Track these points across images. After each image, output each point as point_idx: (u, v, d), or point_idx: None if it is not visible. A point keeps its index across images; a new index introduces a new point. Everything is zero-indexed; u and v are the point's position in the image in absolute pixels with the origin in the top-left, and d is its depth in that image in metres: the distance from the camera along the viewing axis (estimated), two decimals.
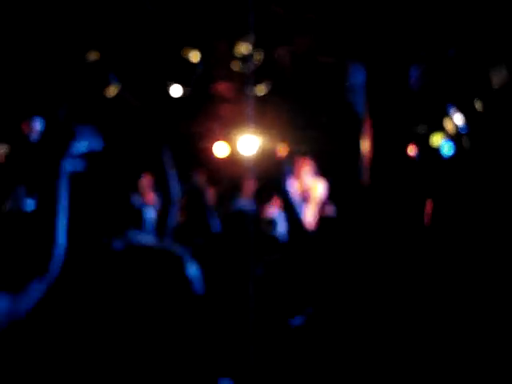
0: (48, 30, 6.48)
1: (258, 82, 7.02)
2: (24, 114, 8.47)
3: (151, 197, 7.88)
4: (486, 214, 6.68)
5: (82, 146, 8.33)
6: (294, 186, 8.03)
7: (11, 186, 5.93)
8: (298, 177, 9.09)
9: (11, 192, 5.46)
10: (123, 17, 6.57)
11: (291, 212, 3.37)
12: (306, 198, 8.84)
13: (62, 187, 2.96)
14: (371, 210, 6.80)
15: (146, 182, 7.32)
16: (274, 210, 6.54)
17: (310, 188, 8.89)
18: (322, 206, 8.27)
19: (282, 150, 10.06)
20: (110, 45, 6.91)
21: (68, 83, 7.48)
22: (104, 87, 7.21)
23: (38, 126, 8.77)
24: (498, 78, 6.93)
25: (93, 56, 6.89)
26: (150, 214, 4.45)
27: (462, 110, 8.20)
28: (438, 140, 9.76)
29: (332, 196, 9.31)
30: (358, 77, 7.64)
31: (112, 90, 7.23)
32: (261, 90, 7.00)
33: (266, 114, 8.75)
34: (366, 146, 7.10)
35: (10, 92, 7.52)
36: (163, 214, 5.34)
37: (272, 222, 5.97)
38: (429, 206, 8.67)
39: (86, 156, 8.57)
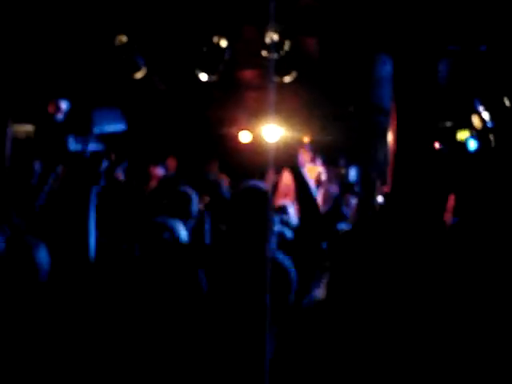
0: (76, 13, 6.52)
1: (284, 70, 7.00)
2: (50, 96, 8.56)
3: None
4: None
5: (106, 127, 8.35)
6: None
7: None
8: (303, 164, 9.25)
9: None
10: (152, 1, 6.59)
11: (308, 198, 3.35)
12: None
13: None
14: (395, 204, 6.79)
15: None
16: (286, 200, 6.59)
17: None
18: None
19: (305, 140, 10.09)
20: (138, 29, 6.94)
21: (95, 66, 7.53)
22: (132, 70, 7.24)
23: (64, 106, 8.87)
24: None
25: (121, 39, 6.92)
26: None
27: (489, 106, 8.13)
28: (464, 135, 9.70)
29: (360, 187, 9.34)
30: (385, 69, 7.60)
31: (140, 74, 7.26)
32: (287, 78, 6.98)
33: (291, 103, 8.75)
34: (391, 139, 7.07)
35: (39, 74, 7.60)
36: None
37: (284, 208, 6.01)
38: (451, 201, 8.64)
39: (109, 137, 8.58)
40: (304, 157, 9.25)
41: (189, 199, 4.47)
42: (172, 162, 7.43)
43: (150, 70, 7.56)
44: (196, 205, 4.46)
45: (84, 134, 10.33)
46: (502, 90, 7.61)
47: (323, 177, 9.03)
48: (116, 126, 10.38)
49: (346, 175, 10.71)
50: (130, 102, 9.49)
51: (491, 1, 6.21)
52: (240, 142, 10.86)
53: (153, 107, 9.69)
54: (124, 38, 6.89)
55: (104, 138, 10.55)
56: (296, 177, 3.43)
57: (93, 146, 10.82)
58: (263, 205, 3.19)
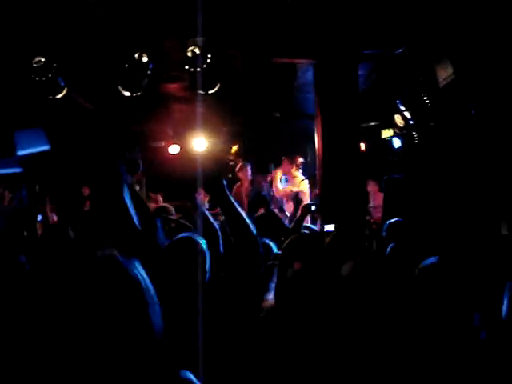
0: None
1: (209, 82, 7.01)
2: None
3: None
4: (434, 204, 6.86)
5: (29, 147, 8.12)
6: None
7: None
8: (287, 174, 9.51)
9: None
10: (71, 19, 6.49)
11: (233, 215, 3.31)
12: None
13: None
14: (323, 205, 6.89)
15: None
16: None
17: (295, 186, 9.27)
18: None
19: (234, 150, 10.17)
20: (57, 48, 6.82)
21: (15, 88, 7.37)
22: (53, 91, 7.11)
23: None
24: (443, 73, 7.07)
25: (39, 60, 6.78)
26: None
27: (410, 105, 8.35)
28: (388, 134, 9.93)
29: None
30: (307, 75, 7.72)
31: (61, 94, 7.14)
32: (212, 90, 6.99)
33: (217, 114, 8.77)
34: (317, 142, 7.17)
35: None
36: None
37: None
38: (378, 197, 8.83)
39: (33, 157, 8.36)
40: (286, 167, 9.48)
41: None
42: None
43: (74, 90, 7.44)
44: None
45: (7, 156, 10.09)
46: (420, 89, 7.83)
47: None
48: (40, 147, 10.20)
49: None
50: (53, 123, 9.33)
51: (405, 5, 6.39)
52: (169, 155, 10.83)
53: (77, 126, 9.54)
54: (42, 59, 6.76)
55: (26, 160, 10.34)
56: (221, 200, 3.39)
57: (12, 169, 10.55)
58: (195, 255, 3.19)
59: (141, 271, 1.83)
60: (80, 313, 1.75)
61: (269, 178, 10.12)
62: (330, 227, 6.10)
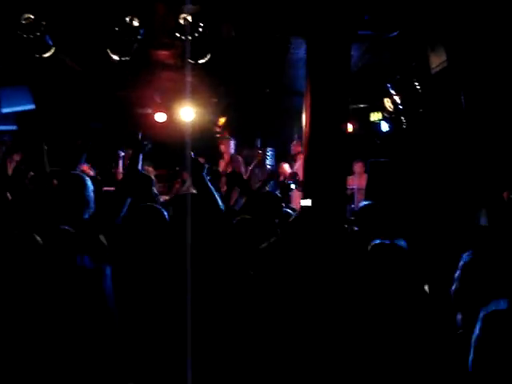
0: None
1: (199, 52, 6.91)
2: None
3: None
4: (415, 190, 6.86)
5: (14, 105, 8.03)
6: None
7: None
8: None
9: None
10: None
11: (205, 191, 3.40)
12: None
13: None
14: (308, 184, 6.86)
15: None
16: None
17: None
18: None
19: (221, 123, 10.10)
20: (46, 7, 6.69)
21: (3, 44, 7.24)
22: (40, 50, 6.98)
23: None
24: (436, 59, 7.03)
25: (28, 17, 6.65)
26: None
27: (400, 89, 8.31)
28: (376, 117, 9.91)
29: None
30: (299, 52, 7.64)
31: (48, 53, 7.01)
32: (201, 60, 6.90)
33: (206, 85, 8.68)
34: (305, 120, 7.12)
35: None
36: None
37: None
38: (363, 179, 8.83)
39: (18, 116, 8.27)
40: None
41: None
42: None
43: (62, 50, 7.32)
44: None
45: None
46: (412, 74, 7.79)
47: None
48: (25, 105, 10.09)
49: (264, 157, 10.78)
50: (40, 82, 9.20)
51: None
52: (155, 123, 10.72)
53: (64, 87, 9.41)
54: (30, 16, 6.62)
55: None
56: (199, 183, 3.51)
57: (1, 126, 10.41)
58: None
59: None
60: None
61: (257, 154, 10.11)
62: (306, 202, 6.08)
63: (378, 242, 3.04)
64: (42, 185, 4.36)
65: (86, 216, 4.02)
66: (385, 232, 3.58)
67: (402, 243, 2.98)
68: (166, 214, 3.49)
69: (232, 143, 9.94)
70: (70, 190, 4.03)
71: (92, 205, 4.10)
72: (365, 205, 4.76)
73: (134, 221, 3.53)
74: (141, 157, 4.21)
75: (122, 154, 9.49)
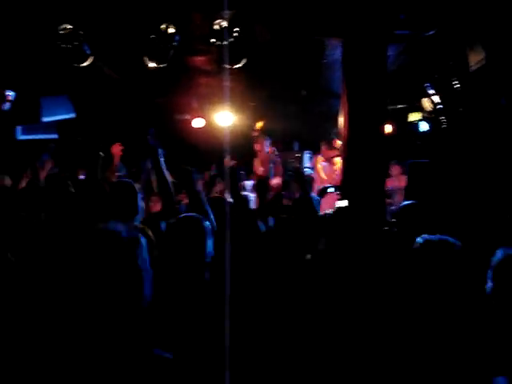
0: (19, 1, 6.35)
1: (235, 56, 6.94)
2: None
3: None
4: (461, 189, 6.76)
5: (55, 115, 8.15)
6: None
7: None
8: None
9: None
10: None
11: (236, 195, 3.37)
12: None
13: None
14: (347, 187, 6.82)
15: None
16: None
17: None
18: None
19: (259, 126, 10.11)
20: (84, 16, 6.79)
21: (43, 54, 7.37)
22: (79, 59, 7.10)
23: (10, 95, 8.68)
24: (475, 57, 6.92)
25: (65, 27, 6.77)
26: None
27: (438, 88, 8.21)
28: (415, 117, 9.81)
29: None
30: (335, 53, 7.60)
31: (86, 62, 7.12)
32: (238, 64, 6.92)
33: (243, 89, 8.70)
34: (342, 122, 7.08)
35: None
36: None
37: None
38: (400, 180, 8.74)
39: (59, 124, 8.39)
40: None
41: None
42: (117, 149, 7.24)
43: (99, 59, 7.43)
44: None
45: (33, 123, 10.15)
46: (451, 73, 7.68)
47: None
48: (65, 114, 10.26)
49: (301, 160, 10.76)
50: (79, 91, 9.34)
51: None
52: (193, 129, 10.79)
53: (103, 95, 9.54)
54: (68, 26, 6.74)
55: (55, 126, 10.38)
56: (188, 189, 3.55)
57: (43, 135, 10.60)
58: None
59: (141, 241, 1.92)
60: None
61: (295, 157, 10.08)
62: (343, 203, 6.04)
63: (426, 237, 2.81)
64: (93, 190, 4.42)
65: (137, 223, 4.10)
66: (427, 231, 3.50)
67: (452, 239, 2.79)
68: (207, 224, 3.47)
69: (267, 142, 9.86)
70: (122, 197, 4.10)
71: (142, 212, 4.19)
72: (406, 204, 4.69)
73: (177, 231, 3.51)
74: (162, 160, 4.21)
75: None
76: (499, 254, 2.49)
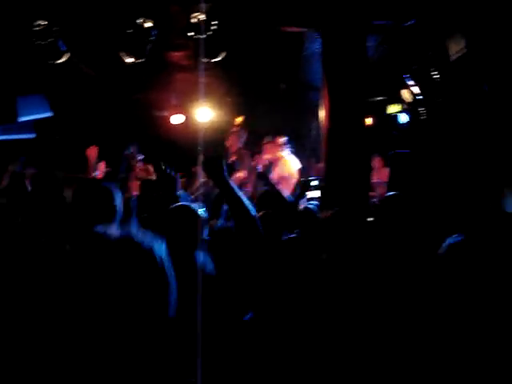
0: None
1: (213, 50, 6.87)
2: None
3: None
4: (439, 181, 6.76)
5: (31, 115, 8.04)
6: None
7: None
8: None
9: None
10: None
11: (232, 199, 3.17)
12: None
13: None
14: (329, 179, 6.80)
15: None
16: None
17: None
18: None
19: (238, 122, 10.01)
20: (58, 12, 6.68)
21: (17, 52, 7.25)
22: (54, 56, 6.98)
23: None
24: (455, 47, 6.91)
25: (40, 24, 6.65)
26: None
27: (418, 79, 8.20)
28: (394, 109, 9.80)
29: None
30: (314, 46, 7.56)
31: (62, 59, 7.01)
32: (216, 59, 6.85)
33: (222, 84, 8.63)
34: (323, 115, 7.04)
35: None
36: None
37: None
38: (383, 173, 8.73)
39: (36, 124, 8.28)
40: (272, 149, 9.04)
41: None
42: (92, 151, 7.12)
43: (75, 55, 7.31)
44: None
45: (9, 123, 9.99)
46: (430, 63, 7.67)
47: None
48: (42, 113, 10.12)
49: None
50: (55, 89, 9.21)
51: None
52: (171, 125, 10.70)
53: (80, 93, 9.42)
54: (43, 22, 6.62)
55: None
56: (219, 184, 3.26)
57: (19, 135, 10.44)
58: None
59: (162, 251, 1.80)
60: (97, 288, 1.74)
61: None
62: (315, 194, 6.00)
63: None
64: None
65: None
66: (410, 222, 3.45)
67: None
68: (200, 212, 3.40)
69: (241, 137, 9.40)
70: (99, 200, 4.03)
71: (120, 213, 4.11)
72: (389, 195, 4.65)
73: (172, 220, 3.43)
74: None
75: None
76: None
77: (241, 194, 3.13)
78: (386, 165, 8.79)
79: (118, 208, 3.77)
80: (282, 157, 8.76)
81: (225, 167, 3.19)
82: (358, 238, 3.86)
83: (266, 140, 9.02)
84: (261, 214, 4.06)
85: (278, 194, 5.99)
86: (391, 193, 4.77)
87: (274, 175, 8.46)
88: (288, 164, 8.72)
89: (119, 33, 6.81)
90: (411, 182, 6.51)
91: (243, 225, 3.05)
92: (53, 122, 10.10)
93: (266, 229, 3.40)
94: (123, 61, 6.94)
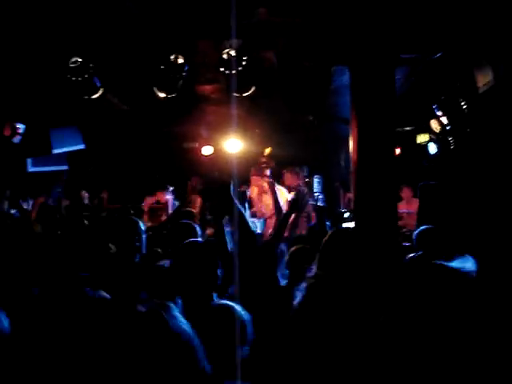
0: (28, 35, 6.42)
1: (243, 84, 6.98)
2: (5, 119, 8.41)
3: None
4: (471, 209, 6.73)
5: (65, 147, 8.19)
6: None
7: None
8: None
9: None
10: (108, 20, 6.53)
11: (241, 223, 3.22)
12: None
13: None
14: (357, 211, 6.80)
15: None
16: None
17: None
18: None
19: (267, 153, 10.09)
20: (93, 49, 6.87)
21: (52, 87, 7.44)
22: (89, 91, 7.17)
23: (20, 128, 8.75)
24: (482, 78, 6.94)
25: (75, 60, 6.84)
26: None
27: (447, 110, 8.22)
28: (423, 139, 9.80)
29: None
30: (343, 79, 7.63)
31: (96, 94, 7.19)
32: (246, 92, 6.97)
33: (251, 116, 8.73)
34: (352, 146, 7.08)
35: None
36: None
37: None
38: (412, 203, 8.72)
39: (70, 156, 8.43)
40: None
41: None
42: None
43: (109, 90, 7.49)
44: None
45: (43, 155, 10.21)
46: (458, 94, 7.70)
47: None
48: (75, 145, 10.33)
49: (311, 185, 10.71)
50: (88, 122, 9.41)
51: (443, 8, 6.27)
52: (202, 156, 10.82)
53: (112, 126, 9.60)
54: (78, 59, 6.81)
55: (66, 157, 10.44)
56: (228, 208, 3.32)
57: (53, 167, 10.67)
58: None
59: (181, 319, 1.86)
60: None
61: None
62: (350, 225, 6.01)
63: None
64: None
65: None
66: (447, 255, 3.44)
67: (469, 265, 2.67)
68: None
69: (267, 172, 9.29)
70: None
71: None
72: (424, 229, 4.68)
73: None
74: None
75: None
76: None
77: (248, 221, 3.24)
78: (415, 195, 8.79)
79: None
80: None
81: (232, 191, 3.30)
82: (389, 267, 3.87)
83: (287, 169, 9.08)
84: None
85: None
86: (425, 226, 4.79)
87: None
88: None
89: (152, 68, 6.97)
90: (441, 214, 6.51)
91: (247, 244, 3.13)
92: (86, 154, 10.30)
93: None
94: (156, 95, 7.10)
